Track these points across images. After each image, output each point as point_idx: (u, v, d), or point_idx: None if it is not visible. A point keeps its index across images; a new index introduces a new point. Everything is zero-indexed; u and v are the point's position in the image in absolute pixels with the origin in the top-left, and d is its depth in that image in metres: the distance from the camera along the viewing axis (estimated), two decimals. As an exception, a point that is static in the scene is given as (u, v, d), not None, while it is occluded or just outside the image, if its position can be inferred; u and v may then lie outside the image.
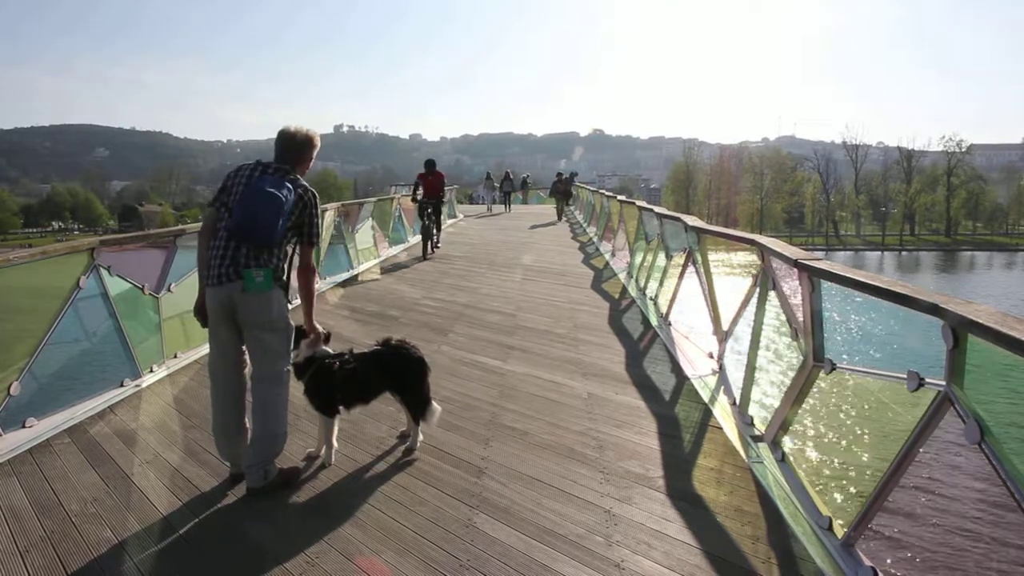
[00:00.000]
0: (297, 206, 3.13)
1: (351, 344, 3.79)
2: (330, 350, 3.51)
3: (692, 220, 6.41)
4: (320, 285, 8.94)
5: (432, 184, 12.50)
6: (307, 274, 3.27)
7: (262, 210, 3.03)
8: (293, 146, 3.23)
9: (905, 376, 2.42)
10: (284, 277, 3.22)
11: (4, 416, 3.80)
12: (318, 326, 3.42)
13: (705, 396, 4.58)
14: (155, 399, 4.56)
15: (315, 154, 3.36)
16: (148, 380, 4.86)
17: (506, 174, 28.08)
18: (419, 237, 13.17)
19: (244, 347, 3.22)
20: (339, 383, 3.41)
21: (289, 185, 3.11)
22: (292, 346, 3.31)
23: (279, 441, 3.21)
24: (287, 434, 3.26)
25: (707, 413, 4.28)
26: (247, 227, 3.05)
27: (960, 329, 2.11)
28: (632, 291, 8.74)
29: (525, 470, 3.41)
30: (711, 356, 5.33)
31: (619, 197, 14.60)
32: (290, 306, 3.31)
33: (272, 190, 3.05)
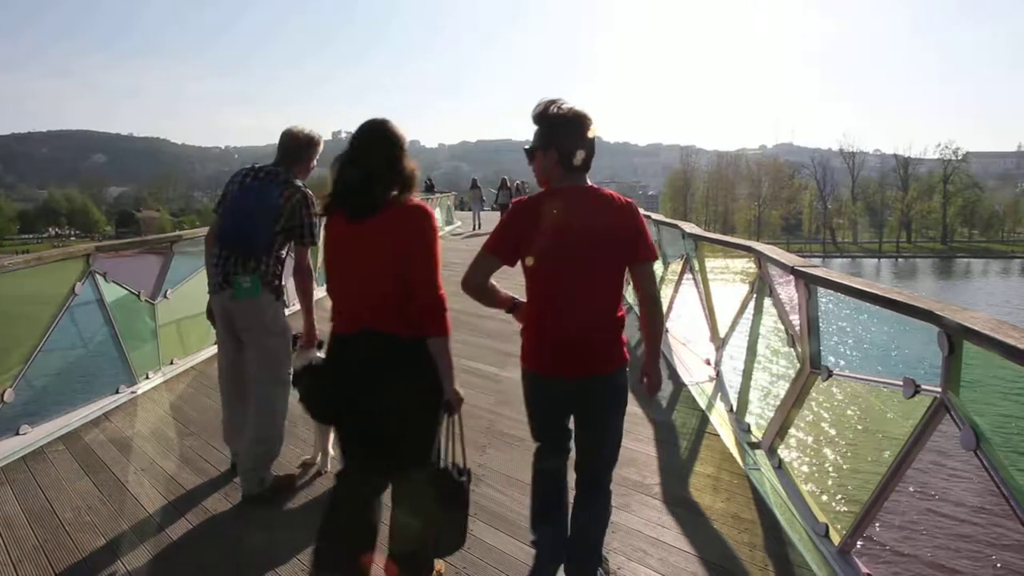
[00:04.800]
0: (285, 209, 3.09)
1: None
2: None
3: (689, 227, 6.43)
4: (319, 291, 8.91)
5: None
6: (303, 276, 3.27)
7: (244, 219, 3.05)
8: (292, 146, 3.22)
9: (901, 383, 2.42)
10: (278, 282, 3.20)
11: (-2, 423, 3.78)
12: (315, 330, 3.41)
13: (702, 403, 4.58)
14: (151, 406, 4.54)
15: (317, 154, 3.32)
16: (144, 387, 4.84)
17: (502, 181, 22.68)
18: None
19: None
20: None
21: (277, 189, 3.09)
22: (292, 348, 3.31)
23: (275, 444, 3.21)
24: (283, 437, 3.26)
25: (704, 420, 4.28)
26: (230, 236, 3.10)
27: (956, 336, 2.12)
28: (629, 298, 8.73)
29: (522, 477, 3.37)
30: (708, 363, 5.34)
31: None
32: (288, 311, 3.31)
33: (257, 196, 3.06)
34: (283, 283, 3.31)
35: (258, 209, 3.04)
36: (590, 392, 2.24)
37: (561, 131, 2.16)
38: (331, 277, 2.26)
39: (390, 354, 2.11)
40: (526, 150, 2.28)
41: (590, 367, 2.22)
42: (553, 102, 2.17)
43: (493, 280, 2.28)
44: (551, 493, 2.39)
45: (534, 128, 2.24)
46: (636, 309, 2.65)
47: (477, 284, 2.24)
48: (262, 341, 3.16)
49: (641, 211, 2.41)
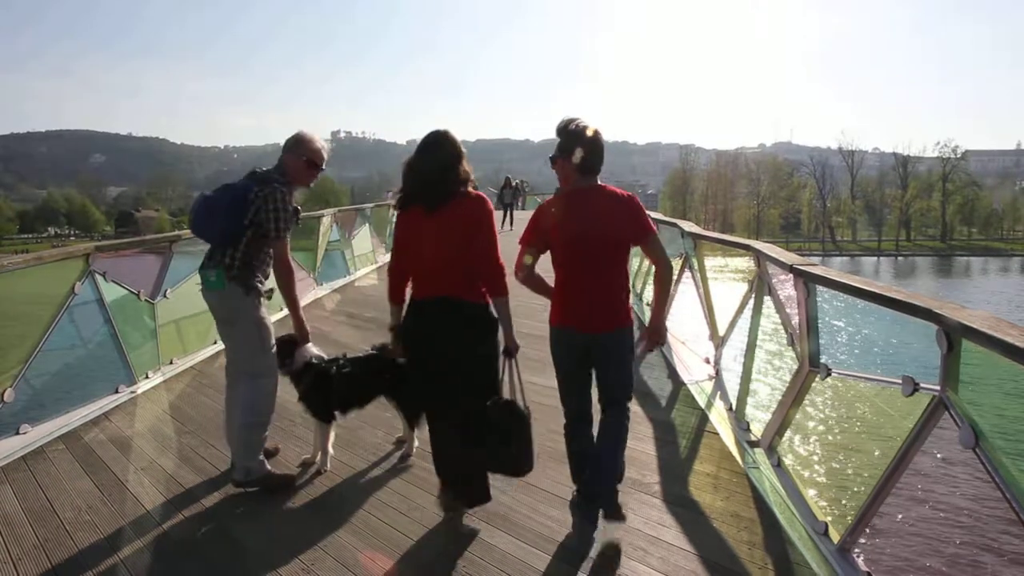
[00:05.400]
0: (252, 204, 3.10)
1: (347, 349, 3.78)
2: (324, 355, 3.51)
3: (689, 226, 6.42)
4: (317, 291, 8.93)
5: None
6: (281, 269, 3.29)
7: (207, 214, 3.12)
8: (284, 150, 3.28)
9: (900, 381, 2.42)
10: (252, 278, 3.18)
11: (-2, 423, 3.78)
12: (306, 326, 3.43)
13: (701, 401, 4.58)
14: (150, 405, 4.54)
15: (306, 152, 3.24)
16: (144, 386, 4.84)
17: (506, 180, 21.90)
18: None
19: None
20: (335, 388, 3.40)
21: (245, 188, 3.14)
22: (272, 343, 3.29)
23: (256, 432, 3.23)
24: (267, 423, 3.27)
25: (703, 419, 4.27)
26: (195, 230, 3.22)
27: (954, 334, 2.12)
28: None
29: (524, 477, 3.39)
30: (707, 361, 5.34)
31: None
32: (279, 314, 3.30)
33: (231, 192, 3.13)
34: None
35: (223, 205, 3.11)
36: (598, 345, 2.77)
37: (576, 142, 2.70)
38: (405, 257, 2.87)
39: (462, 314, 2.73)
40: (550, 157, 2.80)
41: (598, 326, 2.76)
42: (573, 120, 2.73)
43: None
44: (583, 469, 2.83)
45: (557, 140, 2.76)
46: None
47: (525, 271, 2.86)
48: (231, 331, 3.28)
49: None
